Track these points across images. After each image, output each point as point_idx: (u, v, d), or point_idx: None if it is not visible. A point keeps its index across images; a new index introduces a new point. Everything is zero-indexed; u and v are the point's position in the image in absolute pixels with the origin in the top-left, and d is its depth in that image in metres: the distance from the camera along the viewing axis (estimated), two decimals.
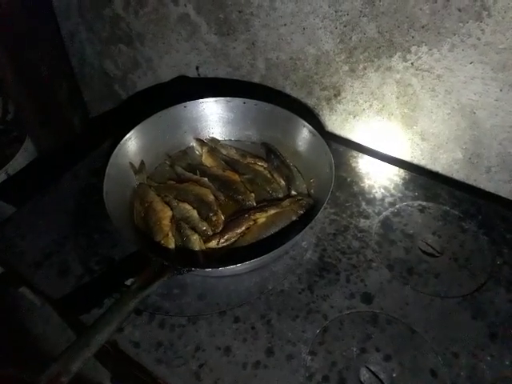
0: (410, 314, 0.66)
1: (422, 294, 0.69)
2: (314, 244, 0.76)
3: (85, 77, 1.47)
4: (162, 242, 0.73)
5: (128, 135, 0.84)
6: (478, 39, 0.74)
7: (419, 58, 0.83)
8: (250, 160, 0.89)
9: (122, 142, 0.82)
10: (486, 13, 0.71)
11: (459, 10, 0.73)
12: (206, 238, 0.74)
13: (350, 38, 0.88)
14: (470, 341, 0.63)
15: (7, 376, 1.19)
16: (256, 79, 1.09)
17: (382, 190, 0.86)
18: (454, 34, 0.76)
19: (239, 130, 0.95)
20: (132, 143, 0.85)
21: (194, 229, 0.75)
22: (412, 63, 0.84)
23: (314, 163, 0.83)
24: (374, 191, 0.86)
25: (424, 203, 0.83)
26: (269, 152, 0.90)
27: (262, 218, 0.76)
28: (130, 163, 0.84)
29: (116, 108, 1.48)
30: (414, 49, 0.82)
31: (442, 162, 0.95)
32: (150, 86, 1.32)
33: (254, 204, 0.81)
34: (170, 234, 0.74)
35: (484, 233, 0.77)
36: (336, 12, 0.86)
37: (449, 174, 0.96)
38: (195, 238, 0.73)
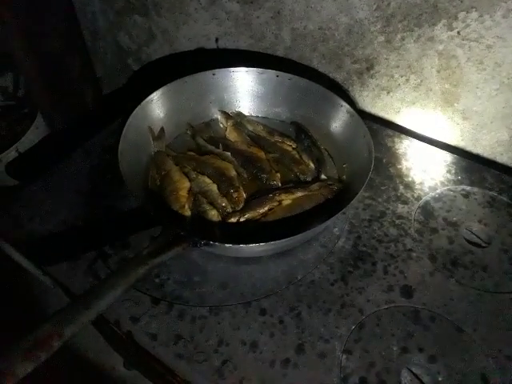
0: (456, 310, 0.60)
1: (469, 288, 0.62)
2: (347, 231, 0.69)
3: (97, 51, 1.40)
4: (179, 212, 0.68)
5: (150, 97, 0.79)
6: None
7: (467, 25, 0.74)
8: (277, 138, 0.82)
9: (143, 103, 0.78)
10: None
11: None
12: (225, 215, 0.68)
13: (388, 5, 0.80)
14: None
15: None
16: (280, 52, 1.01)
17: (422, 173, 0.78)
18: None
19: (268, 106, 0.89)
20: (154, 106, 0.80)
21: (213, 204, 0.70)
22: (458, 32, 0.76)
23: (349, 146, 0.76)
24: (412, 174, 0.78)
25: (468, 188, 0.75)
26: (299, 131, 0.83)
27: (287, 199, 0.70)
28: (149, 128, 0.79)
29: (130, 83, 1.41)
30: (461, 15, 0.74)
31: (484, 144, 0.87)
32: (166, 57, 1.25)
33: (279, 185, 0.75)
34: (187, 206, 0.69)
35: None
36: None
37: (491, 157, 0.88)
38: (213, 213, 0.68)
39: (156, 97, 0.79)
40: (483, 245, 0.68)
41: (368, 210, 0.72)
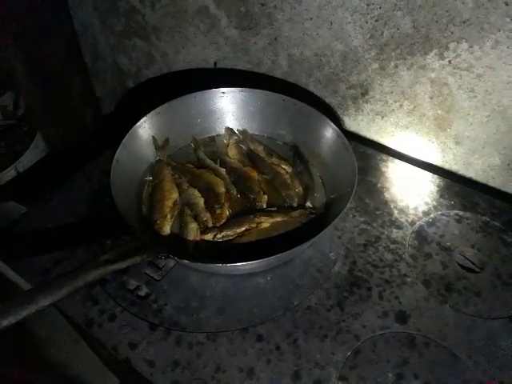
0: (451, 336, 0.61)
1: (463, 314, 0.63)
2: (342, 256, 0.70)
3: (98, 72, 1.43)
4: (158, 222, 0.70)
5: (158, 109, 0.82)
6: None
7: (458, 55, 0.76)
8: (274, 160, 0.84)
9: (149, 114, 0.81)
10: None
11: (506, 4, 0.67)
12: (204, 229, 0.70)
13: (382, 34, 0.82)
14: None
15: (16, 378, 1.16)
16: (277, 76, 1.03)
17: (415, 198, 0.80)
18: (499, 30, 0.70)
19: (273, 128, 0.91)
20: (160, 118, 0.83)
21: (196, 217, 0.72)
22: (449, 61, 0.78)
23: (337, 172, 0.77)
24: (406, 198, 0.80)
25: (461, 213, 0.77)
26: (296, 156, 0.85)
27: (266, 222, 0.71)
28: (153, 137, 0.83)
29: (129, 104, 1.43)
30: (452, 45, 0.76)
31: (477, 168, 0.89)
32: (165, 79, 1.27)
33: (264, 206, 0.76)
34: (169, 217, 0.71)
35: None
36: (368, 5, 0.80)
37: (483, 181, 0.89)
38: (193, 226, 0.70)
39: (164, 110, 0.83)
40: (476, 270, 0.69)
41: (363, 235, 0.74)
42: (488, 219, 0.76)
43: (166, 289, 0.66)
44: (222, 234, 0.69)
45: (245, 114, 0.91)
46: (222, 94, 0.88)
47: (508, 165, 0.83)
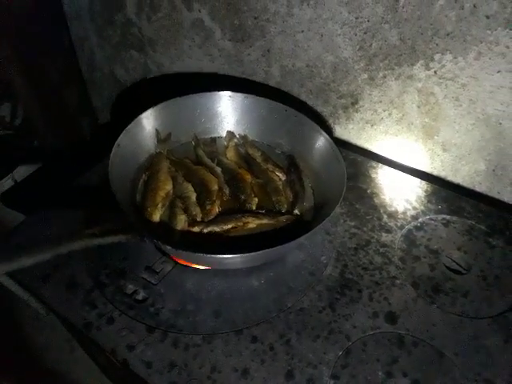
0: (438, 335, 0.63)
1: (450, 314, 0.65)
2: (334, 259, 0.73)
3: (94, 82, 1.45)
4: (149, 209, 0.73)
5: (165, 103, 0.84)
6: (507, 47, 0.71)
7: (443, 66, 0.80)
8: (269, 167, 0.86)
9: (156, 107, 0.84)
10: None
11: (487, 17, 0.71)
12: (191, 222, 0.73)
13: (370, 45, 0.85)
14: (504, 366, 0.59)
15: None
16: (271, 86, 1.06)
17: (404, 203, 0.82)
18: (481, 42, 0.73)
19: (273, 136, 0.92)
20: (166, 113, 0.86)
21: (186, 210, 0.75)
22: (435, 71, 0.81)
23: (328, 183, 0.78)
24: (395, 204, 0.82)
25: (448, 217, 0.80)
26: (290, 165, 0.87)
27: (252, 223, 0.73)
28: (157, 130, 0.85)
29: (126, 114, 1.45)
30: (437, 57, 0.79)
31: (463, 174, 0.91)
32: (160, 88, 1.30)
33: (254, 208, 0.78)
34: (159, 206, 0.74)
35: None
36: (356, 18, 0.83)
37: (470, 186, 0.92)
38: (182, 217, 0.72)
39: (170, 105, 0.85)
40: (463, 272, 0.71)
41: (354, 239, 0.76)
42: (474, 223, 0.78)
43: (162, 293, 0.67)
44: (209, 228, 0.71)
45: (247, 119, 0.93)
46: (228, 98, 0.90)
47: (493, 171, 0.86)
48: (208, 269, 0.71)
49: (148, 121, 0.84)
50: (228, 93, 0.90)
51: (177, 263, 0.71)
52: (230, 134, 0.94)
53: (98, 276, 0.70)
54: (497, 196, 0.89)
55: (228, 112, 0.92)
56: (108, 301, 0.66)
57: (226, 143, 0.93)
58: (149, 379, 0.59)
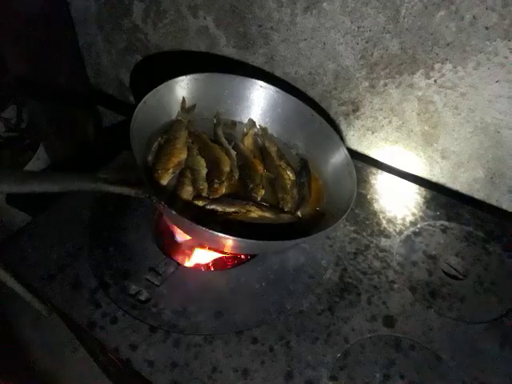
0: (435, 339, 0.64)
1: (447, 318, 0.67)
2: (333, 263, 0.74)
3: (100, 87, 1.47)
4: (159, 172, 0.73)
5: (198, 75, 0.86)
6: (506, 58, 0.73)
7: (443, 75, 0.81)
8: (282, 164, 0.86)
9: (189, 76, 0.85)
10: None
11: (486, 28, 0.72)
12: (196, 195, 0.73)
13: (372, 54, 0.87)
14: (500, 371, 0.60)
15: None
16: None
17: (403, 209, 0.84)
18: (480, 52, 0.75)
19: (291, 136, 0.92)
20: (197, 84, 0.87)
21: (194, 183, 0.75)
22: (435, 80, 0.83)
23: (336, 195, 0.79)
24: (394, 209, 0.84)
25: (446, 223, 0.81)
26: (302, 168, 0.87)
27: (255, 213, 0.73)
28: (183, 98, 0.86)
29: (129, 117, 1.47)
30: (437, 66, 0.81)
31: (462, 181, 0.93)
32: None
33: (258, 199, 0.78)
34: (170, 171, 0.74)
35: (509, 256, 0.75)
36: (358, 28, 0.85)
37: (469, 193, 0.94)
38: (188, 188, 0.73)
39: (203, 78, 0.87)
40: (460, 277, 0.72)
41: (353, 244, 0.77)
42: (472, 229, 0.80)
43: (165, 293, 0.69)
44: (212, 206, 0.71)
45: (272, 113, 0.93)
46: (259, 87, 0.90)
47: (491, 178, 0.88)
48: (210, 271, 0.72)
49: (179, 87, 0.84)
50: (260, 82, 0.90)
51: (179, 265, 0.73)
52: (252, 122, 0.94)
53: (103, 276, 0.71)
54: (495, 203, 0.90)
55: (255, 101, 0.93)
56: (112, 301, 0.68)
57: (245, 130, 0.93)
58: (151, 378, 0.60)
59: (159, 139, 0.81)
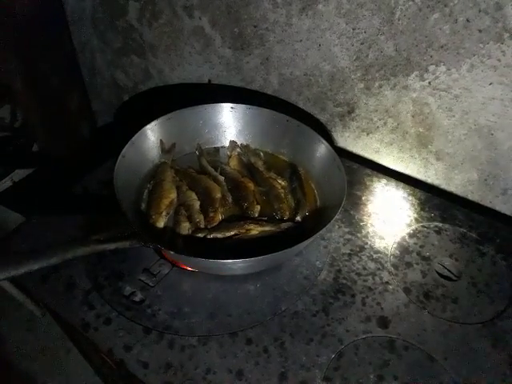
0: (428, 340, 0.64)
1: (440, 319, 0.67)
2: (328, 264, 0.74)
3: (95, 87, 1.47)
4: (153, 216, 0.75)
5: (169, 115, 0.87)
6: (499, 60, 0.73)
7: (437, 77, 0.82)
8: (271, 175, 0.88)
9: (160, 118, 0.86)
10: (508, 34, 0.70)
11: (480, 31, 0.73)
12: (195, 229, 0.74)
13: (367, 56, 0.88)
14: (492, 371, 0.61)
15: None
16: (269, 94, 1.08)
17: (398, 210, 0.84)
18: (474, 55, 0.75)
19: (275, 145, 0.94)
20: (170, 124, 0.88)
21: (190, 217, 0.76)
22: (429, 82, 0.83)
23: (329, 192, 0.80)
24: (389, 211, 0.84)
25: (440, 225, 0.81)
26: (292, 173, 0.88)
27: (255, 230, 0.74)
28: (161, 140, 0.87)
29: (124, 118, 1.47)
30: (431, 68, 0.81)
31: (457, 183, 0.93)
32: (160, 95, 1.32)
33: (256, 215, 0.79)
34: (164, 213, 0.76)
35: (503, 257, 0.75)
36: (353, 29, 0.85)
37: (463, 195, 0.94)
38: (185, 224, 0.74)
39: (175, 117, 0.88)
40: (454, 278, 0.73)
41: (348, 245, 0.78)
42: (465, 231, 0.80)
43: (159, 295, 0.69)
44: (212, 235, 0.72)
45: (250, 129, 0.95)
46: (230, 109, 0.92)
47: (485, 180, 0.88)
48: (204, 272, 0.72)
49: (152, 132, 0.86)
50: (230, 104, 0.92)
51: (174, 266, 0.73)
52: (233, 143, 0.96)
53: (97, 277, 0.71)
54: (489, 205, 0.91)
55: (231, 122, 0.94)
56: (106, 302, 0.68)
57: (228, 153, 0.95)
58: (145, 379, 0.60)
59: (148, 186, 0.83)
